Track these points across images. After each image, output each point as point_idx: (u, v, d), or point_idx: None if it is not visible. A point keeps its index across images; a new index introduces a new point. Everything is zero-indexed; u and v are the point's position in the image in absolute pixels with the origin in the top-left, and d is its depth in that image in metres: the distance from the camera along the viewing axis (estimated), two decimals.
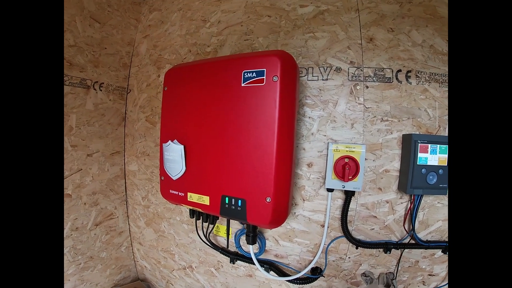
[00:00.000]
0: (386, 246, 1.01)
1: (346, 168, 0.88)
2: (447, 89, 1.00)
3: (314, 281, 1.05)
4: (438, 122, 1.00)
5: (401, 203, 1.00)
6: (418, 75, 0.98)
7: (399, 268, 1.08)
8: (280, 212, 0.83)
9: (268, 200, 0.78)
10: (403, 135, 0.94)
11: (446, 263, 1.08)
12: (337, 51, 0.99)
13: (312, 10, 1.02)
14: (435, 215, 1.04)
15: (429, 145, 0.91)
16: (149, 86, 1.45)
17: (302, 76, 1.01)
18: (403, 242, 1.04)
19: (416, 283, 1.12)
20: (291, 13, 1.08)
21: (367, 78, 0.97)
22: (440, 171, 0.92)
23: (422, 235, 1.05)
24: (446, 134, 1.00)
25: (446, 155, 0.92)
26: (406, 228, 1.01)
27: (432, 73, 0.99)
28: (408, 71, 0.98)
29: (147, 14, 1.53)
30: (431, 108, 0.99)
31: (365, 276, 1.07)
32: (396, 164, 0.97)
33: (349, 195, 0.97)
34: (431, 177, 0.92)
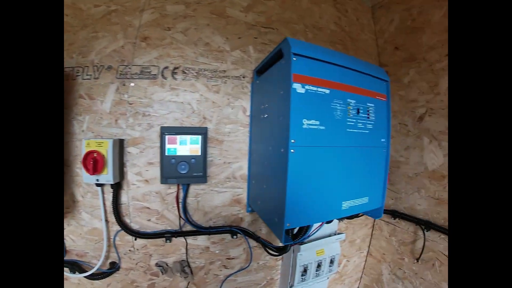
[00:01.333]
0: (164, 236, 0.96)
1: (91, 162, 0.82)
2: (215, 83, 0.99)
3: (110, 275, 0.98)
4: (203, 115, 0.98)
5: (171, 193, 0.97)
6: (185, 71, 0.97)
7: (189, 255, 1.03)
8: None
9: None
10: (160, 127, 0.90)
11: (243, 245, 1.05)
12: (111, 50, 0.96)
13: (102, 10, 0.97)
14: (210, 202, 1.01)
15: (178, 136, 0.88)
16: None
17: (78, 75, 0.94)
18: (183, 230, 0.99)
19: (217, 268, 1.08)
20: (85, 13, 1.01)
21: (133, 76, 0.94)
22: (192, 160, 0.90)
23: (203, 221, 1.02)
24: (207, 126, 0.98)
25: (198, 145, 0.90)
26: (183, 216, 0.97)
27: (201, 69, 0.99)
28: (175, 68, 0.97)
29: None
30: (195, 102, 0.97)
31: (158, 266, 1.01)
32: (158, 157, 0.93)
33: (114, 188, 0.91)
34: (182, 166, 0.89)
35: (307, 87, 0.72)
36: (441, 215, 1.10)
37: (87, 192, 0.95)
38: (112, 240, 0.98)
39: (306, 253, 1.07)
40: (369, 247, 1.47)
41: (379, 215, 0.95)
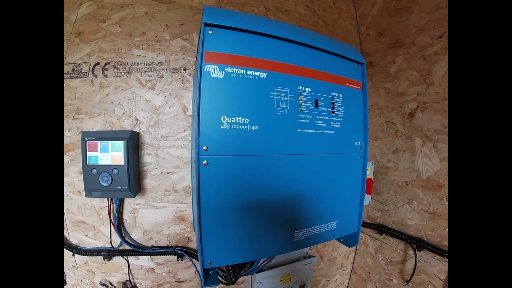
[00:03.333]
0: (101, 253, 0.71)
1: None
2: (150, 78, 0.72)
3: None
4: (135, 116, 0.71)
5: (104, 207, 0.70)
6: (117, 66, 0.71)
7: (134, 275, 0.77)
8: None
9: None
10: (81, 132, 0.65)
11: (193, 268, 0.78)
12: None
13: None
14: (149, 219, 0.74)
15: (99, 142, 0.61)
16: None
17: None
18: (121, 249, 0.73)
19: None
20: None
21: (65, 75, 0.69)
22: (114, 171, 0.62)
23: (144, 240, 0.75)
24: (138, 130, 0.70)
25: (121, 152, 0.63)
26: (117, 234, 0.70)
27: (134, 63, 0.72)
28: (107, 63, 0.71)
29: None
30: (127, 101, 0.70)
31: (102, 284, 0.76)
32: None
33: None
34: (105, 178, 0.62)
35: (229, 69, 0.42)
36: (436, 232, 0.74)
37: None
38: None
39: (267, 281, 0.76)
40: (353, 263, 1.12)
41: (354, 242, 0.61)
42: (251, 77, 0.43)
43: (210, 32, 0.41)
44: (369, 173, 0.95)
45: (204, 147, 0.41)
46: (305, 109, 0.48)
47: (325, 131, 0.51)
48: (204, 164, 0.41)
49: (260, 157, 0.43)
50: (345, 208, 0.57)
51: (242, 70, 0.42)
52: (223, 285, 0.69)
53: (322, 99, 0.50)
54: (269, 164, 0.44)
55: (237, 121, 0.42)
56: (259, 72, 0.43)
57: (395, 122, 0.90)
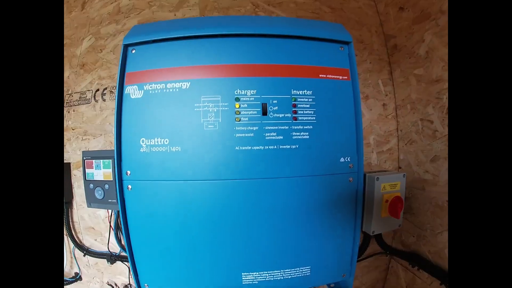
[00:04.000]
0: (104, 257, 0.78)
1: None
2: None
3: (71, 283, 0.88)
4: None
5: (107, 216, 0.76)
6: (112, 90, 0.76)
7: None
8: None
9: None
10: (82, 152, 0.72)
11: None
12: None
13: None
14: None
15: (94, 160, 0.68)
16: None
17: None
18: (122, 254, 0.78)
19: None
20: None
21: (74, 103, 0.80)
22: (106, 186, 0.67)
23: None
24: None
25: (110, 169, 0.67)
26: (116, 242, 0.76)
27: None
28: (104, 89, 0.77)
29: None
30: None
31: (109, 284, 0.85)
32: None
33: (65, 207, 0.79)
34: (99, 191, 0.68)
35: (147, 86, 0.36)
36: None
37: None
38: (72, 253, 0.86)
39: None
40: None
41: None
42: (171, 90, 0.36)
43: (132, 52, 0.37)
44: (399, 189, 0.71)
45: (127, 171, 0.36)
46: (246, 119, 0.37)
47: (281, 146, 0.38)
48: (128, 189, 0.36)
49: (183, 183, 0.35)
50: (328, 249, 0.41)
51: (161, 85, 0.36)
52: None
53: (274, 102, 0.38)
54: (196, 191, 0.36)
55: (156, 143, 0.36)
56: (180, 83, 0.36)
57: (432, 120, 0.64)
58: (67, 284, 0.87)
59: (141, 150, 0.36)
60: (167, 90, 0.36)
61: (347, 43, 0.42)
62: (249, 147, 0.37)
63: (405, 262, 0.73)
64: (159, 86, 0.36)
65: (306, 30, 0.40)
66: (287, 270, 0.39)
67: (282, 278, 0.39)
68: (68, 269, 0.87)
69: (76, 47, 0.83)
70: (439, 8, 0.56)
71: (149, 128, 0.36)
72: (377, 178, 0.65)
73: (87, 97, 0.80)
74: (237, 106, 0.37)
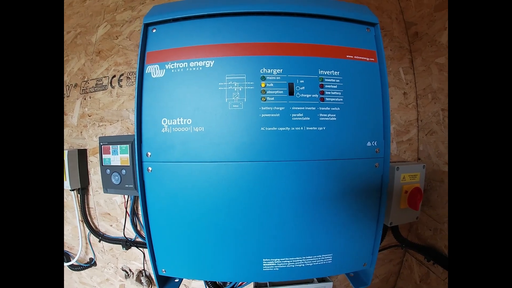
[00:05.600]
0: (120, 242, 0.78)
1: None
2: None
3: (86, 268, 0.89)
4: None
5: (123, 202, 0.76)
6: (129, 76, 0.75)
7: (148, 265, 0.82)
8: None
9: None
10: (98, 138, 0.71)
11: None
12: (77, 70, 0.84)
13: (72, 35, 0.88)
14: None
15: (111, 146, 0.67)
16: None
17: None
18: (137, 240, 0.78)
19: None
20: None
21: (90, 89, 0.79)
22: (123, 171, 0.66)
23: None
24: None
25: (127, 155, 0.66)
26: (131, 227, 0.76)
27: None
28: (121, 75, 0.76)
29: None
30: None
31: (123, 270, 0.85)
32: None
33: (80, 193, 0.79)
34: (116, 177, 0.67)
35: (169, 65, 0.34)
36: None
37: (68, 195, 0.86)
38: (87, 238, 0.87)
39: None
40: None
41: (365, 281, 0.42)
42: (194, 69, 0.33)
43: (153, 31, 0.35)
44: (418, 180, 0.67)
45: (147, 153, 0.34)
46: (272, 98, 0.34)
47: (308, 128, 0.35)
48: (148, 171, 0.34)
49: (205, 164, 0.33)
50: (350, 238, 0.39)
51: (184, 63, 0.33)
52: None
53: (301, 81, 0.35)
54: (219, 173, 0.34)
55: (178, 123, 0.33)
56: (204, 61, 0.33)
57: None
58: (82, 269, 0.87)
59: (163, 131, 0.34)
60: (190, 69, 0.33)
61: (373, 24, 0.39)
62: (275, 128, 0.34)
63: (420, 256, 0.70)
64: (181, 65, 0.33)
65: (333, 10, 0.36)
66: (308, 257, 0.37)
67: (303, 265, 0.37)
68: (83, 254, 0.87)
69: (92, 35, 0.81)
70: None
71: (171, 108, 0.34)
72: (397, 168, 0.62)
73: (103, 84, 0.78)
74: (262, 85, 0.34)
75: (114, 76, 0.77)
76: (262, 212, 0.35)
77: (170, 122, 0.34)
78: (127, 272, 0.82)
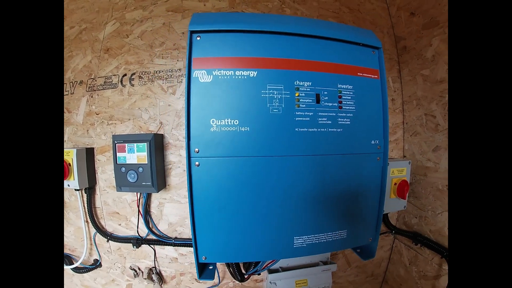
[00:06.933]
0: (130, 241, 0.81)
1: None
2: (170, 84, 0.77)
3: (91, 270, 0.89)
4: (159, 120, 0.78)
5: (134, 200, 0.80)
6: (141, 76, 0.79)
7: (159, 263, 0.86)
8: None
9: None
10: (112, 136, 0.74)
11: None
12: (82, 66, 0.85)
13: (75, 31, 0.88)
14: (174, 212, 0.81)
15: (126, 144, 0.70)
16: None
17: None
18: (148, 238, 0.82)
19: (188, 280, 0.88)
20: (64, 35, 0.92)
21: (98, 87, 0.81)
22: (140, 169, 0.70)
23: (169, 231, 0.82)
24: (162, 132, 0.77)
25: (144, 153, 0.70)
26: (144, 225, 0.80)
27: (156, 71, 0.79)
28: (132, 74, 0.80)
29: None
30: (152, 107, 0.78)
31: (132, 269, 0.88)
32: None
33: (87, 193, 0.81)
34: (132, 175, 0.71)
35: (216, 72, 0.41)
36: None
37: (72, 195, 0.87)
38: (92, 239, 0.88)
39: (282, 283, 0.73)
40: (385, 273, 0.98)
41: (370, 254, 0.54)
42: (240, 77, 0.41)
43: (198, 38, 0.42)
44: (405, 174, 0.81)
45: (196, 149, 0.41)
46: (304, 105, 0.44)
47: (330, 129, 0.45)
48: (196, 165, 0.42)
49: (251, 158, 0.42)
50: (359, 216, 0.50)
51: (230, 72, 0.41)
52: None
53: (325, 93, 0.45)
54: (262, 166, 0.42)
55: (226, 123, 0.41)
56: (248, 71, 0.41)
57: (435, 115, 0.75)
58: (86, 271, 0.88)
59: (211, 130, 0.41)
60: (236, 77, 0.41)
61: (378, 48, 0.50)
62: (306, 129, 0.44)
63: (408, 241, 0.85)
64: (228, 73, 0.41)
65: (349, 35, 0.47)
66: (329, 233, 0.47)
67: (325, 240, 0.47)
68: (87, 256, 0.87)
69: (99, 32, 0.83)
70: (447, 17, 0.65)
71: (219, 110, 0.41)
72: (387, 163, 0.75)
73: (113, 82, 0.81)
74: (296, 94, 0.43)
75: (125, 74, 0.80)
76: (295, 197, 0.44)
77: (218, 122, 0.41)
78: (135, 271, 0.86)
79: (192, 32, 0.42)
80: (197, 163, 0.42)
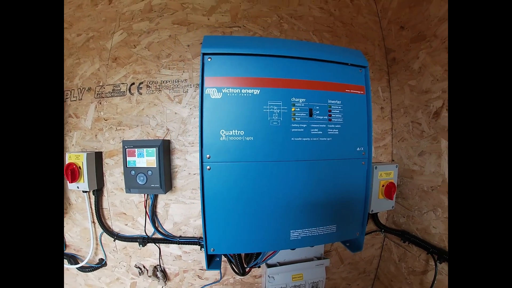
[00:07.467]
0: (137, 240, 0.88)
1: (69, 172, 0.80)
2: (177, 94, 0.85)
3: (97, 269, 0.96)
4: (166, 126, 0.85)
5: (141, 201, 0.87)
6: (149, 85, 0.86)
7: (163, 260, 0.93)
8: None
9: None
10: (122, 141, 0.81)
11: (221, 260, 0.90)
12: (90, 74, 0.92)
13: (83, 38, 0.95)
14: (179, 213, 0.88)
15: (136, 149, 0.78)
16: None
17: (67, 98, 0.93)
18: (154, 237, 0.89)
19: (191, 277, 0.95)
20: (70, 42, 0.95)
21: (107, 94, 0.88)
22: (149, 172, 0.78)
23: (174, 230, 0.90)
24: (169, 138, 0.84)
25: (154, 157, 0.78)
26: (151, 224, 0.87)
27: (163, 81, 0.86)
28: (140, 83, 0.87)
29: None
30: (159, 114, 0.85)
31: (137, 267, 0.95)
32: None
33: (95, 194, 0.88)
34: (142, 177, 0.78)
35: (225, 90, 0.49)
36: None
37: (79, 197, 0.93)
38: (99, 239, 0.94)
39: (279, 277, 0.81)
40: (377, 269, 1.07)
41: (358, 247, 0.62)
42: (245, 95, 0.49)
43: (209, 60, 0.50)
44: (392, 177, 0.91)
45: (207, 155, 0.49)
46: (299, 119, 0.52)
47: (321, 139, 0.54)
48: (207, 169, 0.49)
49: (254, 163, 0.50)
50: (347, 213, 0.59)
51: (237, 90, 0.49)
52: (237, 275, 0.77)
53: (317, 107, 0.54)
54: (264, 169, 0.51)
55: (234, 134, 0.49)
56: (252, 90, 0.50)
57: (421, 122, 0.84)
58: (91, 270, 0.94)
59: (221, 139, 0.49)
60: (242, 94, 0.49)
61: (364, 67, 0.59)
62: (300, 138, 0.52)
63: (397, 239, 0.94)
64: (235, 91, 0.49)
65: (339, 56, 0.56)
66: (320, 227, 0.55)
67: (317, 234, 0.55)
68: (92, 256, 0.93)
69: (106, 41, 0.90)
70: (434, 32, 0.75)
71: (228, 122, 0.49)
72: (376, 167, 0.84)
73: (121, 90, 0.88)
74: (293, 109, 0.52)
75: (133, 83, 0.88)
76: (292, 196, 0.52)
77: (227, 133, 0.49)
78: (140, 269, 0.93)
79: (204, 54, 0.50)
80: (208, 167, 0.49)
